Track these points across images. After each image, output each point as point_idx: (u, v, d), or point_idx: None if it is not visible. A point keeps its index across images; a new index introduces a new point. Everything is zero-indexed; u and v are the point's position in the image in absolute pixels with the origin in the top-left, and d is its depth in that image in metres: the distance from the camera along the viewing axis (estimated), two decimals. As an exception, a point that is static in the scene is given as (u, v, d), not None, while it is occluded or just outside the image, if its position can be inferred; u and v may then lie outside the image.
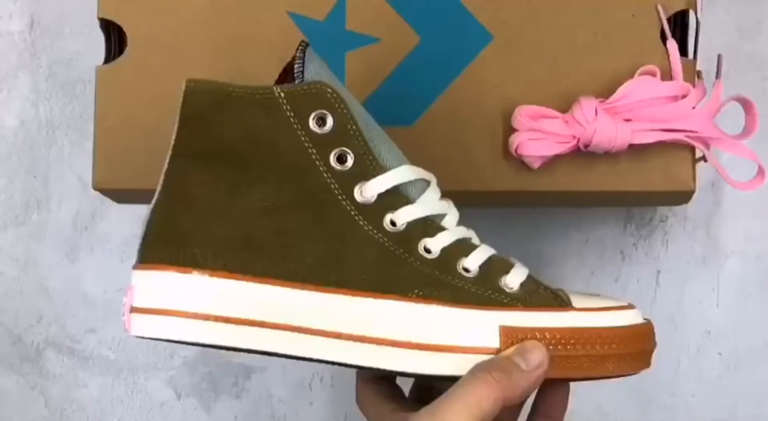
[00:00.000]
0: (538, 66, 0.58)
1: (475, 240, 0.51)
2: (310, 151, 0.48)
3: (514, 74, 0.58)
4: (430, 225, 0.50)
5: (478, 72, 0.58)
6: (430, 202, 0.50)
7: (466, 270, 0.49)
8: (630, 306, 0.52)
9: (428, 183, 0.51)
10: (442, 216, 0.50)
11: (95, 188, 0.60)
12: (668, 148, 0.57)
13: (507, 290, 0.49)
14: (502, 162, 0.58)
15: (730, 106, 0.57)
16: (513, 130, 0.57)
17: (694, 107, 0.56)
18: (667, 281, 0.69)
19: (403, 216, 0.49)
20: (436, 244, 0.49)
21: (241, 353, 0.71)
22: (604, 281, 0.70)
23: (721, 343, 0.69)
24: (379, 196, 0.49)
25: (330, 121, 0.48)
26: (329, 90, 0.48)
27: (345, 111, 0.48)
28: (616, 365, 0.49)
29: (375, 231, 0.48)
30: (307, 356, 0.48)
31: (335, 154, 0.48)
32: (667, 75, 0.57)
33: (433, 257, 0.49)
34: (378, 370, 0.48)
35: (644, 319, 0.52)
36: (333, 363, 0.48)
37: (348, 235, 0.48)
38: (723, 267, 0.69)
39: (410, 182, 0.50)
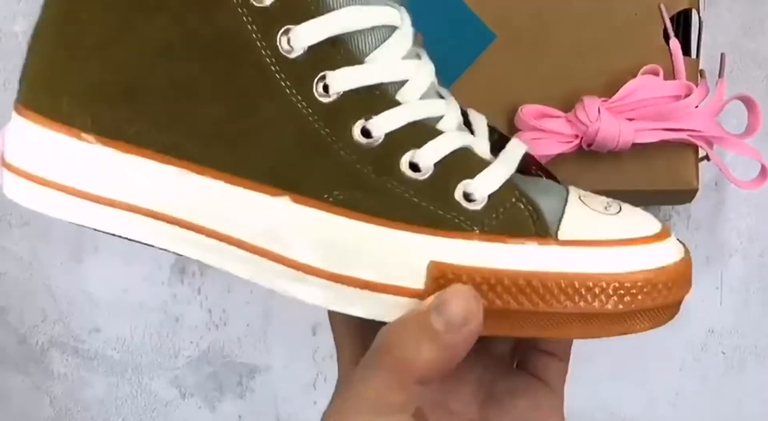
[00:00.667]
0: (541, 65, 0.58)
1: (450, 123, 0.37)
2: None
3: (517, 73, 0.58)
4: (377, 98, 0.35)
5: (481, 71, 0.58)
6: (382, 63, 0.36)
7: (414, 168, 0.35)
8: (661, 235, 0.36)
9: (392, 29, 0.36)
10: (401, 84, 0.36)
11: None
12: (671, 148, 0.57)
13: (464, 205, 0.35)
14: (506, 161, 0.58)
15: (733, 105, 0.57)
16: (516, 130, 0.57)
17: (697, 106, 0.56)
18: (671, 279, 0.69)
19: (339, 81, 0.35)
20: (378, 125, 0.35)
21: (244, 353, 0.71)
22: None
23: (725, 342, 0.69)
24: (311, 48, 0.35)
25: None
26: None
27: None
28: (609, 326, 0.35)
29: (299, 99, 0.35)
30: (184, 253, 0.37)
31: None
32: (670, 74, 0.57)
33: (371, 145, 0.35)
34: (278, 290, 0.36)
35: (680, 244, 0.37)
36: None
37: (262, 100, 0.35)
38: (726, 266, 0.69)
39: (362, 32, 0.35)
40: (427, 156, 0.35)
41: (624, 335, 0.36)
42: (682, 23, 0.58)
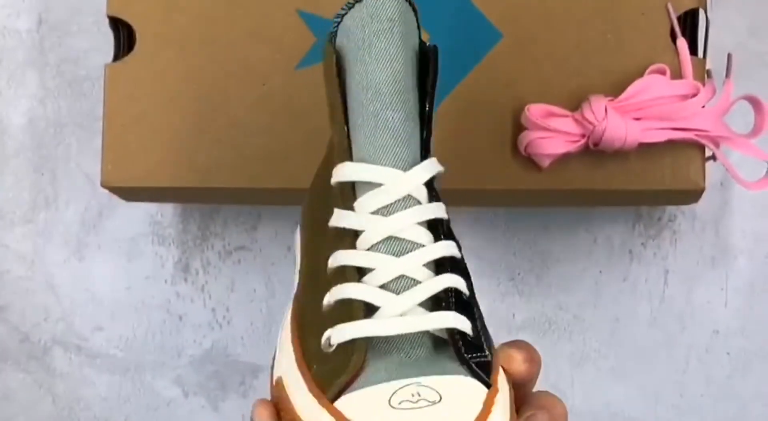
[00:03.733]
0: (547, 64, 0.58)
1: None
2: None
3: (524, 73, 0.58)
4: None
5: (488, 70, 0.58)
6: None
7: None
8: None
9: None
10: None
11: (103, 185, 0.60)
12: (678, 147, 0.57)
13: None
14: (511, 160, 0.58)
15: (740, 106, 0.57)
16: (522, 129, 0.57)
17: (703, 106, 0.55)
18: (676, 280, 0.69)
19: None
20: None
21: (248, 352, 0.71)
22: (612, 280, 0.69)
23: (730, 343, 0.69)
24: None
25: None
26: (331, 49, 0.42)
27: (335, 79, 0.41)
28: None
29: None
30: None
31: None
32: (677, 74, 0.57)
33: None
34: None
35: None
36: None
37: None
38: (732, 267, 0.69)
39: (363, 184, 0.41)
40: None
41: None
42: (689, 23, 0.58)
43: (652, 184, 0.57)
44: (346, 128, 0.41)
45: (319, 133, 0.47)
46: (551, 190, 0.58)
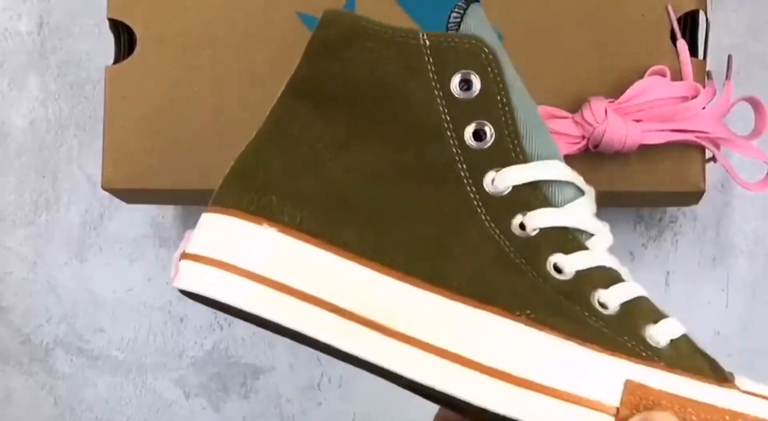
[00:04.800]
0: (547, 66, 0.58)
1: (627, 277, 0.41)
2: (443, 116, 0.39)
3: (524, 74, 0.57)
4: (570, 240, 0.39)
5: (488, 72, 0.58)
6: (578, 214, 0.40)
7: (603, 306, 0.39)
8: None
9: (582, 193, 0.41)
10: (589, 235, 0.40)
11: (104, 188, 0.60)
12: (678, 149, 0.57)
13: (650, 342, 0.38)
14: (512, 162, 0.58)
15: (740, 107, 0.57)
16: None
17: (704, 108, 0.55)
18: (677, 281, 0.69)
19: (537, 220, 0.39)
20: (570, 263, 0.39)
21: (249, 353, 0.71)
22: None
23: (731, 344, 0.69)
24: (514, 188, 0.39)
25: (477, 85, 0.39)
26: (486, 49, 0.40)
27: (498, 78, 0.40)
28: None
29: (497, 231, 0.39)
30: (374, 361, 0.38)
31: (473, 128, 0.39)
32: (677, 75, 0.57)
33: (562, 278, 0.39)
34: (458, 401, 0.37)
35: None
36: (396, 377, 0.38)
37: (463, 227, 0.38)
38: (733, 268, 0.69)
39: (557, 183, 0.40)
40: (613, 297, 0.39)
41: None
42: (689, 24, 0.58)
43: (653, 186, 0.57)
44: (512, 122, 0.39)
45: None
46: (551, 191, 0.58)
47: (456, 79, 0.39)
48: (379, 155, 0.39)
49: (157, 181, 0.60)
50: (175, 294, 0.71)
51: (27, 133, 0.73)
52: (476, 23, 0.41)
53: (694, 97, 0.55)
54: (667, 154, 0.57)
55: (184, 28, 0.60)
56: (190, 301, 0.42)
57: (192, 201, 0.68)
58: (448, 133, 0.39)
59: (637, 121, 0.55)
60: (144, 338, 0.72)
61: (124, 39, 0.61)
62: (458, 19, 0.42)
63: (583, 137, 0.56)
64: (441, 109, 0.39)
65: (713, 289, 0.69)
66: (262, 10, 0.59)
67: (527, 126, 0.40)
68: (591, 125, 0.55)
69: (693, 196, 0.59)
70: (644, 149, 0.56)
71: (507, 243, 0.38)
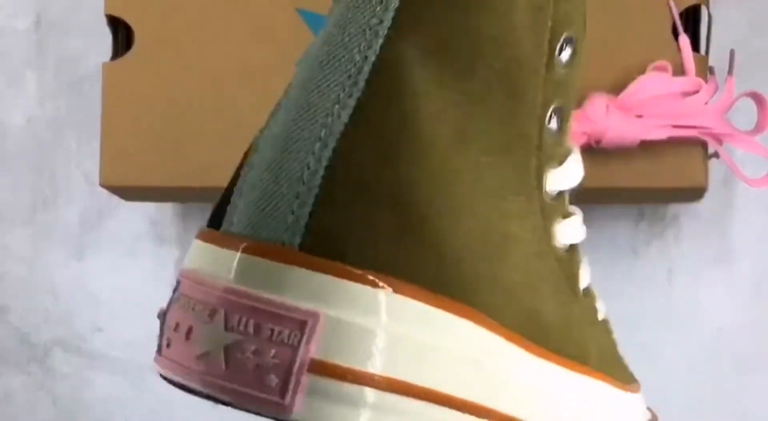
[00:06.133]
0: (548, 62, 0.57)
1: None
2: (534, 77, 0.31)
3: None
4: (578, 253, 0.34)
5: (488, 68, 0.58)
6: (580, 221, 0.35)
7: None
8: None
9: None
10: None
11: (102, 185, 0.60)
12: (680, 145, 0.57)
13: None
14: (513, 159, 0.57)
15: (743, 102, 0.56)
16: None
17: (706, 103, 0.55)
18: (680, 278, 0.69)
19: (569, 233, 0.33)
20: (585, 278, 0.35)
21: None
22: (615, 278, 0.69)
23: (735, 342, 0.69)
24: (559, 194, 0.32)
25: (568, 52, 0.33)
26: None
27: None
28: None
29: (547, 246, 0.32)
30: None
31: (553, 109, 0.31)
32: (679, 71, 0.56)
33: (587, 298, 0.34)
34: None
35: None
36: None
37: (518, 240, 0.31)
38: (735, 265, 0.69)
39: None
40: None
41: None
42: (691, 19, 0.58)
43: (655, 182, 0.57)
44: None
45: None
46: (553, 188, 0.58)
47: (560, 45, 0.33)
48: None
49: (155, 179, 0.60)
50: (174, 293, 0.71)
51: (24, 131, 0.73)
52: None
53: (697, 92, 0.55)
54: (670, 151, 0.57)
55: (181, 25, 0.60)
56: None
57: (190, 198, 0.67)
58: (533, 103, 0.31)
59: (639, 116, 0.55)
60: (143, 337, 0.71)
61: (122, 36, 0.61)
62: None
63: (585, 133, 0.55)
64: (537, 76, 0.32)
65: (717, 286, 0.69)
66: (259, 5, 0.59)
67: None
68: (592, 121, 0.55)
69: (696, 193, 0.58)
70: (646, 145, 0.56)
71: (556, 263, 0.32)
